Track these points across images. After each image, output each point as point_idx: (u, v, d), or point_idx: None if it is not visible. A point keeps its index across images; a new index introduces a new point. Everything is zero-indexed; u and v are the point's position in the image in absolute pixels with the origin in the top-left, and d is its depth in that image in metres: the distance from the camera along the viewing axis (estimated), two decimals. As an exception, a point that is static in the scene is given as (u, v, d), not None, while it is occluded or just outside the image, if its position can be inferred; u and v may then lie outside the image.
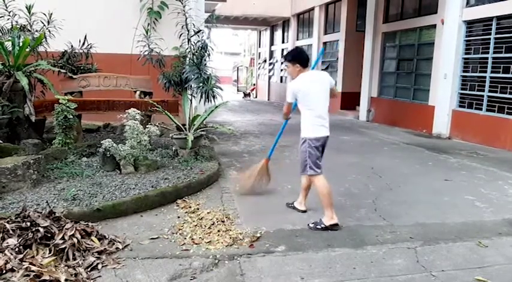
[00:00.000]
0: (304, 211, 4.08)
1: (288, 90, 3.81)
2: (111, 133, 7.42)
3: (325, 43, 16.47)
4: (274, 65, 22.52)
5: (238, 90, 26.49)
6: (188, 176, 4.81)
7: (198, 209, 4.12)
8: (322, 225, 3.67)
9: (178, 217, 3.88)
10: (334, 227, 3.65)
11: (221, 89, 6.47)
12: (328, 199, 3.69)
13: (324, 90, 3.77)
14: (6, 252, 2.73)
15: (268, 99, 22.80)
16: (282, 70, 21.28)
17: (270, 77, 23.11)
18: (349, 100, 14.41)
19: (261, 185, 4.64)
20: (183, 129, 5.96)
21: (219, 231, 3.55)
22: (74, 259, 2.85)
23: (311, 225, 3.71)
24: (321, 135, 3.75)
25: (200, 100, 6.54)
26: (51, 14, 6.59)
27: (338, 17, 15.32)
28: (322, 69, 16.38)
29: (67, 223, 3.12)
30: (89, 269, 2.81)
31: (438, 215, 4.12)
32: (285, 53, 3.95)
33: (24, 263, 2.66)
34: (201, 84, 6.22)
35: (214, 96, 6.25)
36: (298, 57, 3.79)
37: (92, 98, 6.62)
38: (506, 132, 7.91)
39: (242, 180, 4.74)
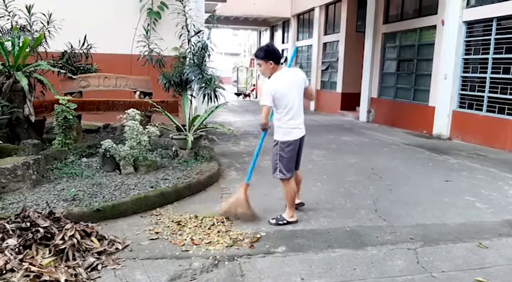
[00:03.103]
0: (300, 203, 4.11)
1: (264, 91, 3.55)
2: (110, 133, 7.42)
3: (325, 44, 16.47)
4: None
5: (238, 90, 26.38)
6: (188, 177, 4.80)
7: (198, 209, 4.10)
8: (284, 221, 3.76)
9: (178, 217, 3.87)
10: (293, 222, 3.78)
11: (224, 89, 6.48)
12: (293, 201, 3.82)
13: (299, 89, 3.67)
14: (6, 252, 2.72)
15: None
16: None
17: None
18: (349, 101, 14.42)
19: (241, 215, 3.84)
20: (183, 130, 5.96)
21: (219, 232, 3.54)
22: (74, 259, 2.85)
23: (273, 222, 3.77)
24: (294, 138, 3.67)
25: (203, 101, 6.55)
26: (51, 14, 6.60)
27: (338, 18, 15.32)
28: (322, 70, 16.42)
29: (67, 223, 3.12)
30: (88, 270, 2.80)
31: (438, 216, 4.11)
32: (255, 50, 3.63)
33: (24, 264, 2.65)
34: (203, 84, 6.22)
35: (217, 97, 6.25)
36: (271, 54, 3.59)
37: (91, 98, 6.62)
38: (507, 133, 7.91)
39: (224, 203, 4.02)
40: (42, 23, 6.56)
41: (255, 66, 25.80)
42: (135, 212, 3.94)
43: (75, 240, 2.95)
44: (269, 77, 3.71)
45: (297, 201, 4.09)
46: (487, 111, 8.44)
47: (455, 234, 3.64)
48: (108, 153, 4.87)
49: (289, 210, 3.82)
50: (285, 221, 3.77)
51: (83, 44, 6.93)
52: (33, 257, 2.76)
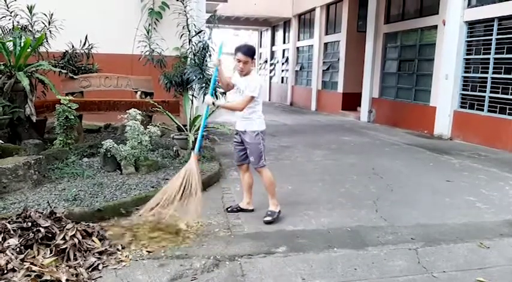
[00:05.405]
0: (252, 210, 4.10)
1: (258, 84, 3.75)
2: (112, 133, 7.42)
3: (326, 44, 16.47)
4: (275, 65, 22.52)
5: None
6: (189, 177, 4.80)
7: (198, 209, 4.10)
8: (275, 214, 3.85)
9: (178, 217, 3.87)
10: (280, 212, 3.90)
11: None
12: (275, 188, 3.94)
13: None
14: (7, 252, 2.73)
15: (269, 100, 22.77)
16: (283, 71, 21.23)
17: (271, 78, 23.09)
18: (350, 101, 14.40)
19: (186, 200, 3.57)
20: (184, 130, 5.97)
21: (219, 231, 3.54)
22: (75, 259, 2.86)
23: (269, 219, 3.80)
24: (265, 128, 3.92)
25: (203, 100, 6.53)
26: (52, 14, 6.60)
27: (339, 18, 15.31)
28: (323, 70, 16.41)
29: (68, 223, 3.12)
30: (90, 269, 2.81)
31: (439, 216, 4.11)
32: (238, 46, 3.73)
33: (25, 263, 2.66)
34: (204, 84, 6.22)
35: (217, 97, 6.25)
36: (255, 55, 3.88)
37: (93, 98, 6.63)
38: (508, 133, 7.89)
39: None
40: (43, 23, 6.57)
41: (256, 66, 25.81)
42: (136, 212, 3.94)
43: (76, 240, 2.96)
44: (240, 75, 3.83)
45: (251, 207, 4.11)
46: (488, 111, 8.43)
47: (456, 235, 3.64)
48: (109, 153, 4.88)
49: (273, 200, 3.90)
50: (275, 215, 3.85)
51: (84, 44, 6.94)
52: (34, 257, 2.76)
